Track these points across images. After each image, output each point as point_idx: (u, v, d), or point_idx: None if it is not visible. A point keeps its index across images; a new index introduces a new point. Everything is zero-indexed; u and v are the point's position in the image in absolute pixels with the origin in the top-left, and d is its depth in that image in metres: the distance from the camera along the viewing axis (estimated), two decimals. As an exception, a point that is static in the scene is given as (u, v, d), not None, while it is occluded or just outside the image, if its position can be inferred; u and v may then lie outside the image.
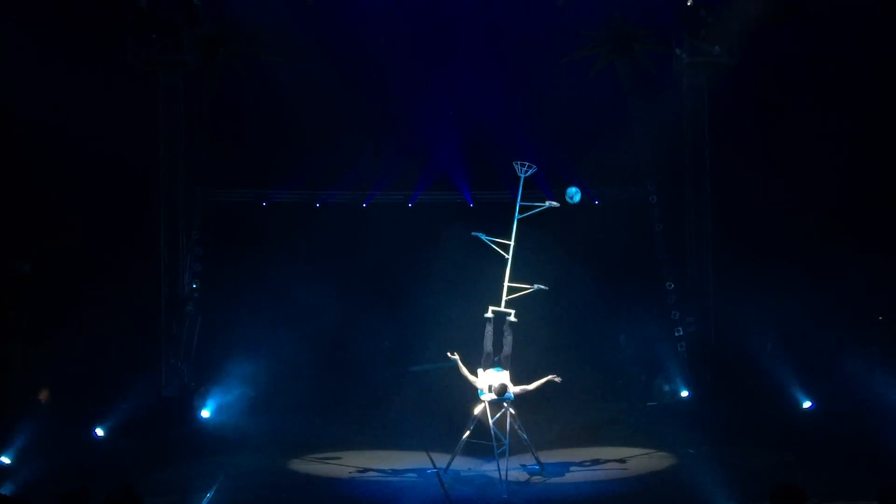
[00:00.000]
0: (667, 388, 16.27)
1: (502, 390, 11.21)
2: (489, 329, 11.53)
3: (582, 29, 16.68)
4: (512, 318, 11.53)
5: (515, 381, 11.42)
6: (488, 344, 11.53)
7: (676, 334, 16.76)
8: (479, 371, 11.53)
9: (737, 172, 16.60)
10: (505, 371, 11.44)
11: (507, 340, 11.49)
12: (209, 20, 16.14)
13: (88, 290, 14.70)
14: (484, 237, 11.85)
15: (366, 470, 12.15)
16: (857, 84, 15.76)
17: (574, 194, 11.69)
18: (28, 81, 14.27)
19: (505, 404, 11.35)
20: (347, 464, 12.51)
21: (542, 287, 11.73)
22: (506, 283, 11.69)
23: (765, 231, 16.39)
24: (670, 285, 17.03)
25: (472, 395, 11.76)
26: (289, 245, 16.61)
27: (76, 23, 14.68)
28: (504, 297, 11.68)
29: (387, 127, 16.70)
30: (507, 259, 11.70)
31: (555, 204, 11.80)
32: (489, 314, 11.59)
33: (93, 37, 14.93)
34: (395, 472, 11.98)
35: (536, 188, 16.93)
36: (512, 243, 11.73)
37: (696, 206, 17.15)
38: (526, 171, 11.76)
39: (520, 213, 11.80)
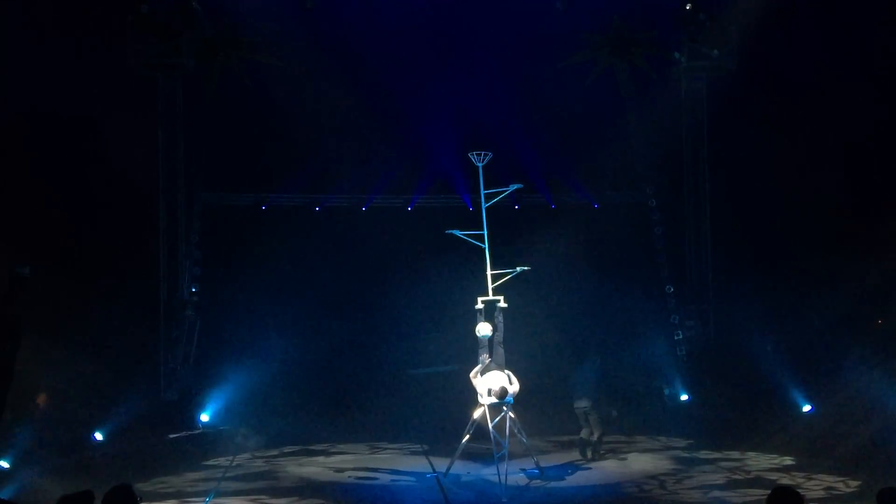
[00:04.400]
0: (667, 391, 16.26)
1: (502, 393, 11.21)
2: (481, 319, 11.62)
3: (581, 32, 16.66)
4: (502, 304, 11.65)
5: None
6: (482, 335, 11.59)
7: (676, 338, 16.74)
8: (478, 375, 11.54)
9: (736, 176, 16.60)
10: (504, 373, 11.45)
11: (499, 326, 11.57)
12: (209, 24, 16.14)
13: (88, 293, 14.66)
14: (458, 233, 12.02)
15: (365, 473, 12.15)
16: (856, 88, 15.75)
17: None
18: (28, 85, 14.25)
19: (504, 408, 11.35)
20: (347, 467, 12.51)
21: (525, 268, 11.91)
22: (488, 272, 11.82)
23: (764, 234, 16.39)
24: (670, 289, 17.02)
25: (472, 398, 11.76)
26: (288, 249, 16.58)
27: (76, 26, 14.67)
28: (490, 286, 11.77)
29: (386, 131, 16.67)
30: (485, 248, 11.85)
31: (519, 186, 12.21)
32: (479, 305, 11.72)
33: (93, 40, 14.91)
34: (394, 475, 11.98)
35: (537, 192, 17.06)
36: (485, 232, 11.87)
37: (696, 210, 17.14)
38: (483, 160, 11.96)
39: (486, 200, 12.00)
